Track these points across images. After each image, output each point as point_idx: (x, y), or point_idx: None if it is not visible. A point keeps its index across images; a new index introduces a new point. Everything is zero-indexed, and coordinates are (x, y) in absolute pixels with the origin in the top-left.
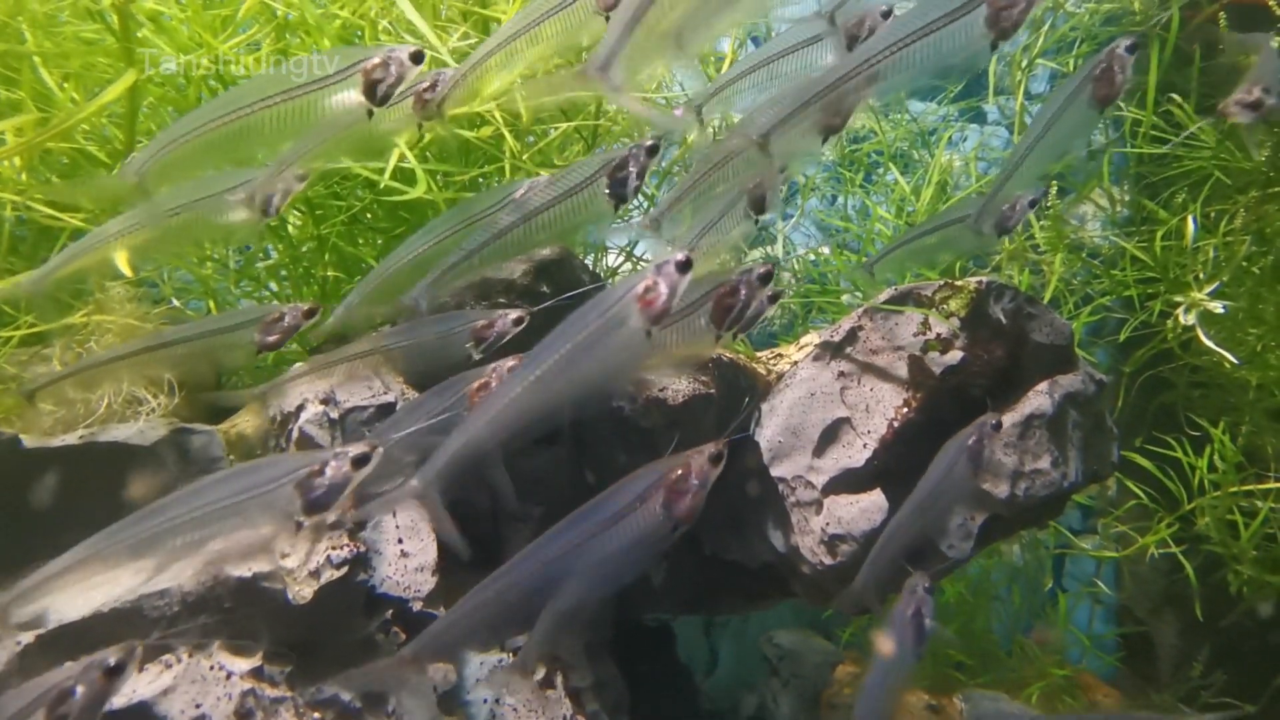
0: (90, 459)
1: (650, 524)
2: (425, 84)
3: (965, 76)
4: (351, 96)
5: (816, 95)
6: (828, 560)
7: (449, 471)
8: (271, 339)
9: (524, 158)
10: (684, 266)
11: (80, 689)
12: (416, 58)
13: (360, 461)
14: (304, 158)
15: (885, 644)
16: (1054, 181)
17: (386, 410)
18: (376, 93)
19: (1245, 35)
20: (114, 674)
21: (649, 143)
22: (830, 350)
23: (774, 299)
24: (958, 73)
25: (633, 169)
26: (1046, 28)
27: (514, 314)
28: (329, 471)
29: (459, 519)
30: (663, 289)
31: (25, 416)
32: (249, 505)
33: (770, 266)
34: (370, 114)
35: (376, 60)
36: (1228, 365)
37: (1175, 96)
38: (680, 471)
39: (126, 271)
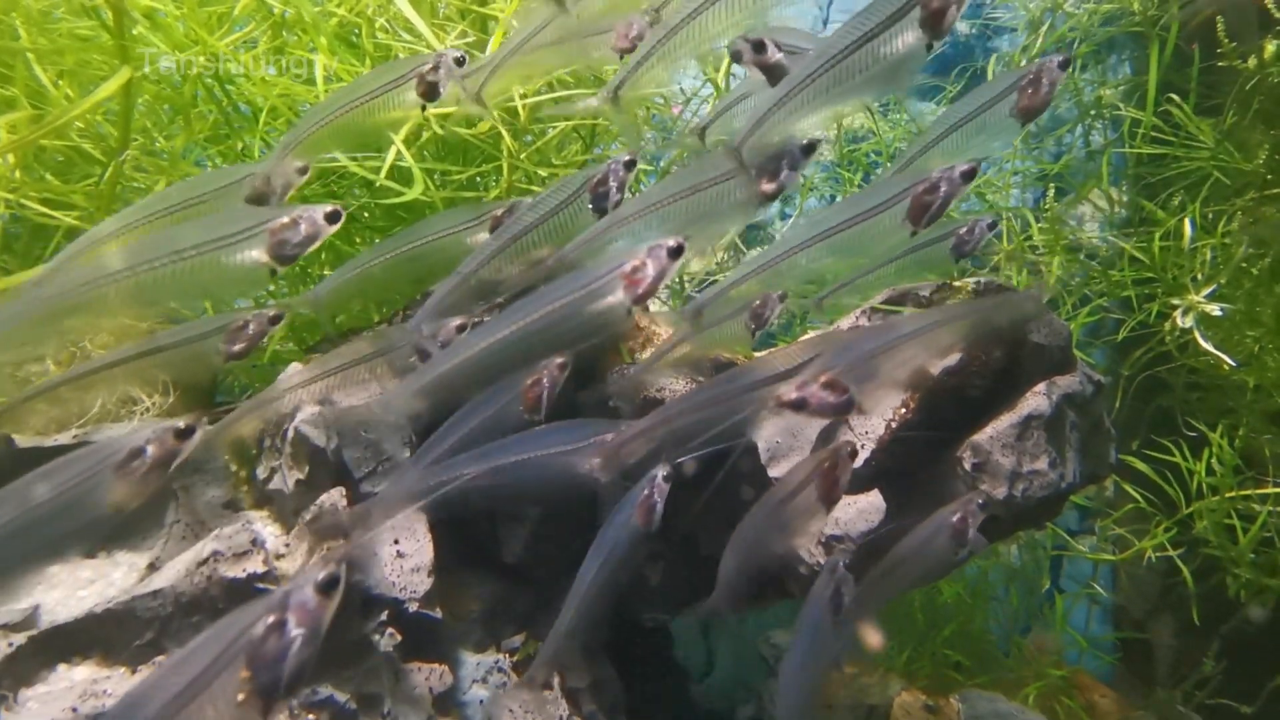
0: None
1: None
2: (428, 65)
3: (964, 77)
4: (255, 255)
5: (777, 103)
6: (825, 560)
7: (412, 399)
8: (237, 348)
9: (522, 156)
10: (675, 252)
11: (151, 448)
12: (332, 217)
13: None
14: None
15: (802, 626)
16: (1051, 183)
17: None
18: (285, 249)
19: None
20: (185, 436)
21: (626, 158)
22: None
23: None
24: (956, 73)
25: (612, 183)
26: (1045, 28)
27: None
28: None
29: (457, 520)
30: (650, 271)
31: (17, 416)
32: None
33: (975, 164)
34: (273, 273)
35: (284, 220)
36: (1225, 367)
37: (1174, 97)
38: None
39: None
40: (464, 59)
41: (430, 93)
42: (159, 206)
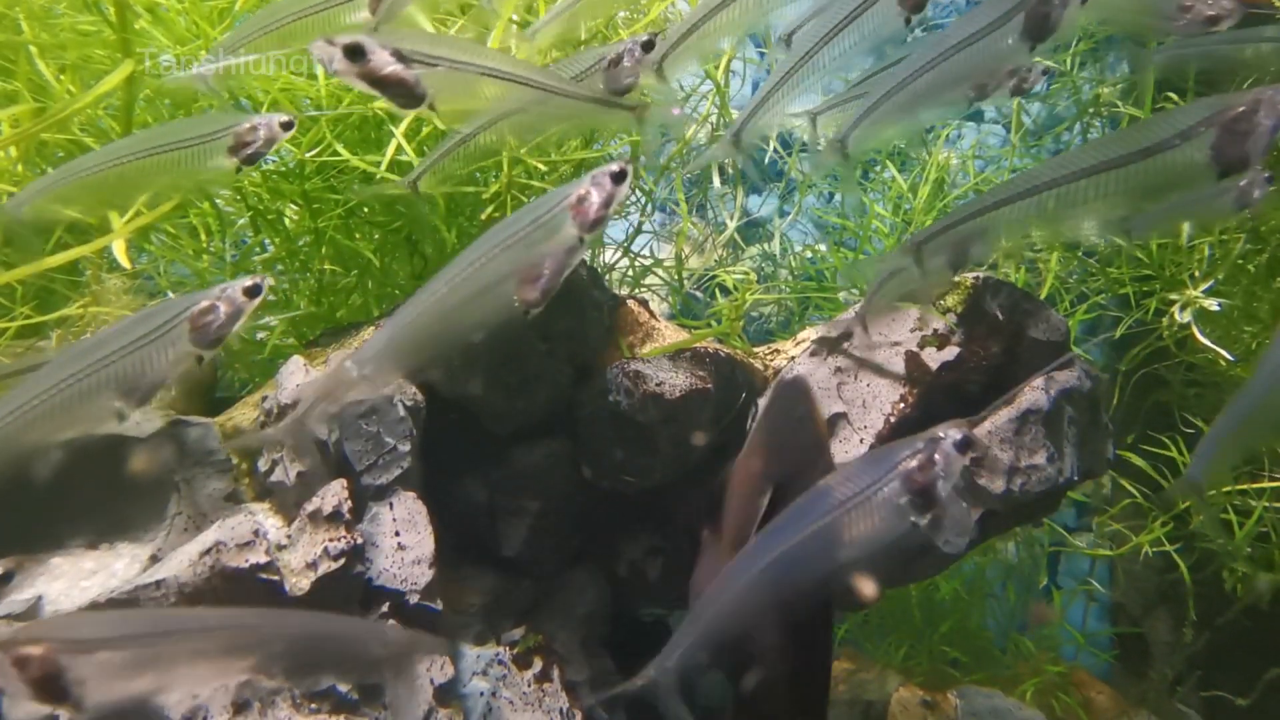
0: (87, 450)
1: None
2: None
3: None
4: (180, 346)
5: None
6: None
7: (378, 360)
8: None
9: (521, 152)
10: (618, 177)
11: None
12: (252, 291)
13: None
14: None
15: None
16: None
17: (383, 403)
18: (208, 335)
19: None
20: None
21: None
22: (827, 346)
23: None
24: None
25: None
26: None
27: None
28: None
29: (456, 512)
30: (595, 198)
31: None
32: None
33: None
34: (200, 360)
35: (204, 304)
36: (1222, 363)
37: (1172, 95)
38: None
39: (124, 263)
40: None
41: None
42: (138, 148)
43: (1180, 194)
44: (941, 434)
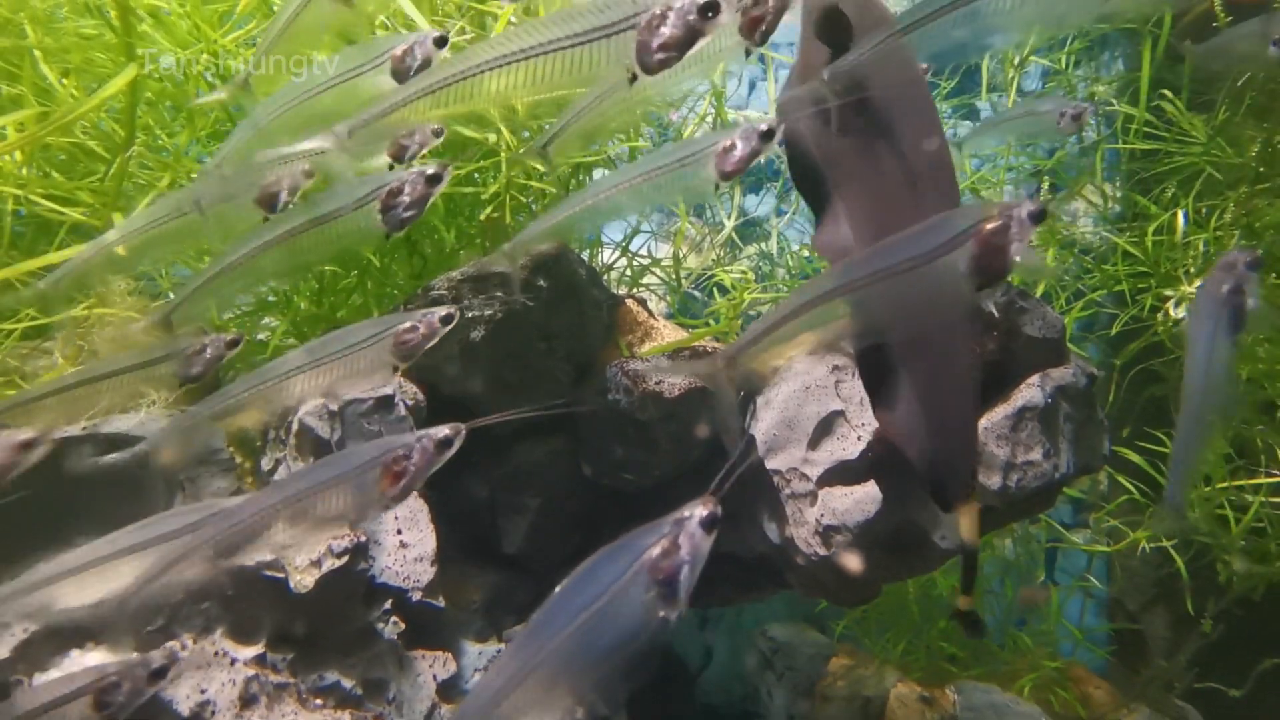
0: (92, 450)
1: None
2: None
3: (958, 74)
4: (384, 357)
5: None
6: (822, 551)
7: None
8: (195, 371)
9: (519, 152)
10: (767, 135)
11: (125, 684)
12: (447, 319)
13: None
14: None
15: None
16: (1045, 177)
17: (385, 403)
18: (406, 350)
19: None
20: (158, 676)
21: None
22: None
23: None
24: (950, 70)
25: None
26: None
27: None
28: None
29: (457, 510)
30: (740, 150)
31: (30, 412)
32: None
33: (1042, 205)
34: (395, 370)
35: (407, 324)
36: None
37: (1167, 93)
38: None
39: (121, 253)
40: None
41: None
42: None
43: None
44: (687, 513)
